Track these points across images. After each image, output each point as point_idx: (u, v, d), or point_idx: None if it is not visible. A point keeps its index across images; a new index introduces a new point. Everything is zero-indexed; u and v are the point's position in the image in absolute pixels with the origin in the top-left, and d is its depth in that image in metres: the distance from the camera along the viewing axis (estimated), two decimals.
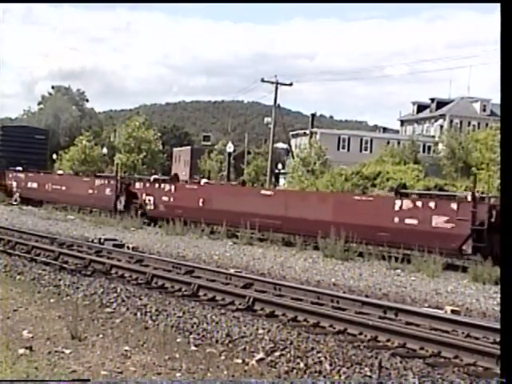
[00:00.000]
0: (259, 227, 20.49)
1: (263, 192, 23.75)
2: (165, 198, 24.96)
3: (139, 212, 25.58)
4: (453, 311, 9.99)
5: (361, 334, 8.30)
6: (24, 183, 36.02)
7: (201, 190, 24.38)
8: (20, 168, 37.35)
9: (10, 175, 37.80)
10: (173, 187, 25.01)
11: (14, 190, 36.66)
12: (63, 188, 31.90)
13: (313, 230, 18.81)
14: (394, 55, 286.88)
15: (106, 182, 28.67)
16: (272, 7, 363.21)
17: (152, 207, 25.44)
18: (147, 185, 26.44)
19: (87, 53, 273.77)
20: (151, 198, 25.49)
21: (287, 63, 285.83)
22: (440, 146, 62.38)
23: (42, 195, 33.47)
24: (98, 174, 31.26)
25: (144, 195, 25.92)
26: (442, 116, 74.74)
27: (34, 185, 34.97)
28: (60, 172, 40.51)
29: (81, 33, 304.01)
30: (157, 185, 25.90)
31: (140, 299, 9.91)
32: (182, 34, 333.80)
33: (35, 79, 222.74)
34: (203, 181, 27.50)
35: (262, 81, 50.21)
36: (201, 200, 23.41)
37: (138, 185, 26.86)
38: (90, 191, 29.22)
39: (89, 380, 5.97)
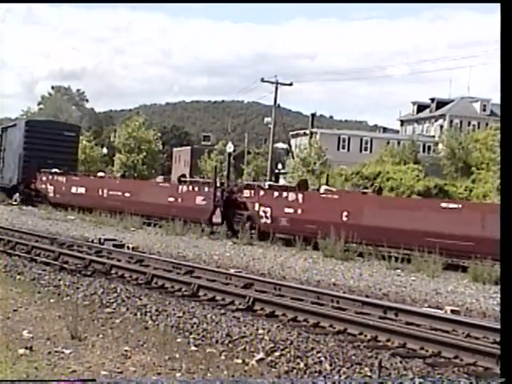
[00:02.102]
0: (440, 250, 15.64)
1: (444, 205, 17.79)
2: (288, 210, 20.24)
3: (247, 226, 21.26)
4: (453, 311, 9.99)
5: (361, 334, 8.30)
6: (65, 188, 31.32)
7: (345, 199, 19.86)
8: (56, 170, 32.86)
9: (44, 178, 32.92)
10: (300, 196, 20.18)
11: (50, 195, 32.15)
12: (127, 195, 27.33)
13: None
14: (395, 55, 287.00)
15: (197, 188, 24.07)
16: (272, 7, 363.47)
17: (268, 221, 20.82)
18: (261, 193, 21.63)
19: (88, 53, 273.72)
20: (267, 210, 20.84)
21: (288, 63, 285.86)
22: (440, 145, 62.43)
23: (93, 202, 28.44)
24: (184, 179, 26.53)
25: (257, 206, 21.25)
26: (442, 116, 74.76)
27: (81, 190, 30.33)
28: (101, 174, 35.73)
29: (81, 33, 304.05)
30: (276, 193, 21.06)
31: (140, 299, 9.91)
32: (182, 34, 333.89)
33: (35, 79, 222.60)
34: (323, 188, 21.97)
35: (262, 81, 50.26)
36: (345, 213, 18.67)
37: (247, 193, 22.07)
38: (171, 199, 24.55)
39: (89, 380, 5.97)
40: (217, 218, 22.49)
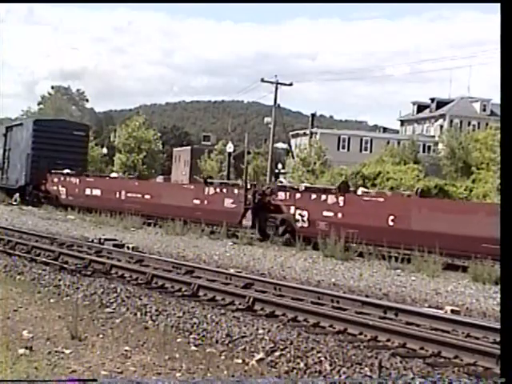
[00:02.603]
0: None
1: None
2: (327, 214, 19.12)
3: (280, 230, 20.18)
4: (453, 311, 9.99)
5: (361, 333, 8.30)
6: (78, 189, 30.00)
7: (391, 203, 18.46)
8: (68, 170, 31.63)
9: (56, 179, 31.58)
10: (341, 199, 18.98)
11: (63, 197, 30.85)
12: (147, 197, 25.95)
13: None
14: (396, 55, 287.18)
15: (226, 190, 22.75)
16: (274, 7, 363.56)
17: (305, 224, 19.66)
18: (297, 195, 20.33)
19: (88, 53, 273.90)
20: (305, 213, 19.67)
21: (288, 63, 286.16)
22: (440, 145, 62.47)
23: (109, 205, 26.86)
24: (211, 181, 25.29)
25: (292, 209, 20.10)
26: (442, 116, 74.80)
27: (96, 192, 28.94)
28: (115, 175, 34.12)
29: (82, 33, 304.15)
30: (314, 195, 19.84)
31: (140, 299, 9.91)
32: (183, 34, 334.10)
33: (36, 79, 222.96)
34: (360, 190, 20.89)
35: (262, 81, 50.27)
36: (391, 217, 17.52)
37: (281, 195, 20.79)
38: (197, 202, 23.24)
39: (89, 380, 5.97)
40: (247, 222, 21.50)
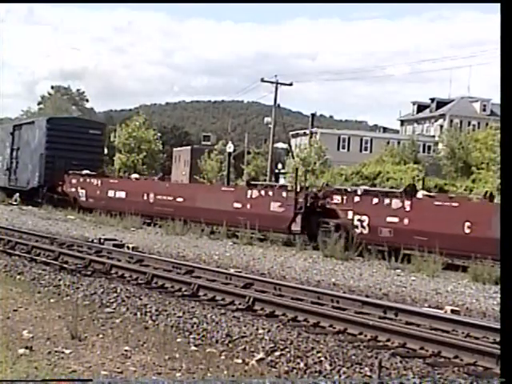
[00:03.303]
0: None
1: None
2: (392, 219, 17.48)
3: (335, 236, 18.18)
4: (453, 311, 9.99)
5: (361, 333, 8.30)
6: (99, 191, 28.34)
7: (467, 208, 16.76)
8: (87, 171, 30.20)
9: (74, 181, 30.00)
10: (407, 203, 17.32)
11: (82, 199, 29.36)
12: (180, 200, 24.24)
13: None
14: (396, 55, 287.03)
15: (272, 193, 21.09)
16: (274, 7, 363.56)
17: (365, 231, 18.09)
18: (355, 199, 18.77)
19: (88, 53, 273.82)
20: (364, 218, 18.11)
21: (289, 63, 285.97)
22: (440, 145, 62.48)
23: (136, 208, 24.91)
24: (253, 183, 23.91)
25: (350, 213, 18.49)
26: (442, 116, 74.82)
27: (120, 194, 27.18)
28: (136, 176, 32.09)
29: (82, 33, 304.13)
30: (375, 199, 18.16)
31: (140, 299, 9.91)
32: (183, 34, 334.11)
33: (36, 79, 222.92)
34: (421, 193, 18.85)
35: (262, 81, 50.25)
36: (467, 224, 15.84)
37: (337, 198, 19.13)
38: (238, 205, 21.76)
39: (89, 380, 5.97)
40: (296, 227, 19.87)
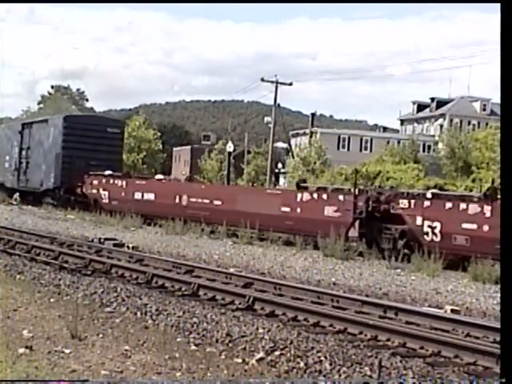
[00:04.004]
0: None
1: None
2: (468, 226, 15.83)
3: (400, 243, 17.02)
4: (453, 310, 9.99)
5: (361, 333, 8.30)
6: (124, 193, 26.59)
7: None
8: (109, 172, 28.61)
9: (95, 182, 28.19)
10: (487, 208, 15.59)
11: (104, 201, 27.40)
12: (217, 203, 22.69)
13: None
14: (397, 55, 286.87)
15: (326, 196, 19.40)
16: (275, 7, 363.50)
17: (436, 238, 16.44)
18: (425, 203, 17.02)
19: (89, 52, 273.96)
20: (435, 225, 16.49)
21: (289, 63, 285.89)
22: (440, 145, 62.46)
23: (167, 211, 23.76)
24: (304, 185, 22.16)
25: (419, 219, 16.91)
26: (442, 115, 74.80)
27: (149, 196, 25.51)
28: (160, 177, 30.56)
29: (82, 32, 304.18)
30: (449, 204, 16.49)
31: (140, 299, 9.91)
32: (183, 34, 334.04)
33: (36, 79, 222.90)
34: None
35: (262, 80, 50.24)
36: None
37: (403, 203, 17.41)
38: (286, 209, 20.17)
39: (89, 380, 5.97)
40: (353, 233, 18.46)
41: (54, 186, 30.87)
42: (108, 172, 28.54)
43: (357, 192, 18.65)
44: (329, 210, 18.97)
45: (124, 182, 27.07)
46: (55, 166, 30.68)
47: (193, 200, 23.62)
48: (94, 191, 28.18)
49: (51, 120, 33.35)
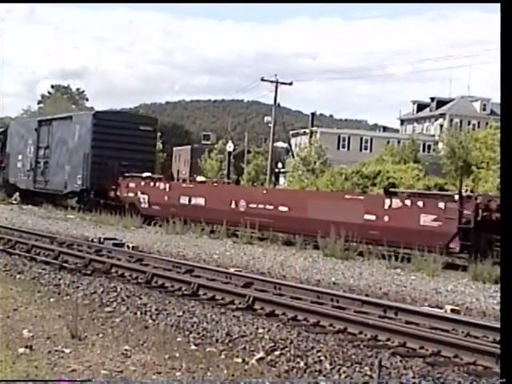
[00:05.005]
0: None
1: None
2: None
3: None
4: (453, 310, 9.99)
5: (361, 333, 8.30)
6: (167, 197, 24.50)
7: None
8: (148, 174, 26.76)
9: (133, 184, 26.13)
10: None
11: (143, 206, 25.34)
12: (283, 209, 20.47)
13: None
14: (397, 54, 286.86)
15: (423, 203, 17.17)
16: (275, 7, 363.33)
17: None
18: None
19: (89, 52, 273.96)
20: None
21: (290, 62, 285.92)
22: (440, 145, 62.49)
23: (220, 217, 21.71)
24: (393, 190, 20.04)
25: None
26: (442, 115, 74.80)
27: (198, 200, 23.35)
28: (202, 179, 28.38)
29: (83, 32, 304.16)
30: None
31: (140, 298, 9.91)
32: (184, 33, 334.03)
33: (37, 78, 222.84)
34: None
35: (262, 80, 50.22)
36: None
37: None
38: (370, 217, 18.06)
39: (89, 380, 5.97)
40: (455, 244, 16.50)
41: (81, 189, 28.73)
42: (146, 174, 26.70)
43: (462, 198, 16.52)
44: (426, 219, 16.97)
45: (167, 185, 25.08)
46: (83, 166, 28.40)
47: (252, 206, 21.56)
48: (131, 195, 26.16)
49: (77, 117, 31.30)
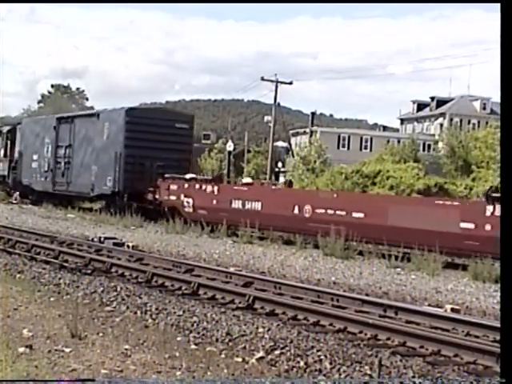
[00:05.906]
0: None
1: None
2: None
3: None
4: (453, 310, 9.99)
5: (361, 332, 8.30)
6: (216, 201, 22.45)
7: None
8: (192, 175, 24.85)
9: (175, 187, 24.11)
10: None
11: (187, 210, 23.33)
12: (358, 215, 18.23)
13: None
14: (398, 54, 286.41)
15: None
16: (276, 6, 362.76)
17: None
18: None
19: (89, 52, 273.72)
20: None
21: (290, 62, 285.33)
22: (440, 144, 62.47)
23: (280, 224, 20.15)
24: (495, 195, 16.52)
25: None
26: (442, 114, 74.76)
27: (254, 205, 21.27)
28: (247, 180, 26.11)
29: (83, 32, 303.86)
30: None
31: (140, 298, 9.91)
32: (184, 33, 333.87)
33: (37, 78, 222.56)
34: None
35: (262, 79, 50.20)
36: None
37: None
38: (467, 226, 16.01)
39: (90, 380, 5.97)
40: None
41: (112, 191, 26.20)
42: (190, 175, 24.70)
43: None
44: None
45: (216, 188, 22.94)
46: (114, 167, 25.97)
47: (319, 211, 19.28)
48: (173, 198, 24.04)
49: (105, 113, 28.43)
